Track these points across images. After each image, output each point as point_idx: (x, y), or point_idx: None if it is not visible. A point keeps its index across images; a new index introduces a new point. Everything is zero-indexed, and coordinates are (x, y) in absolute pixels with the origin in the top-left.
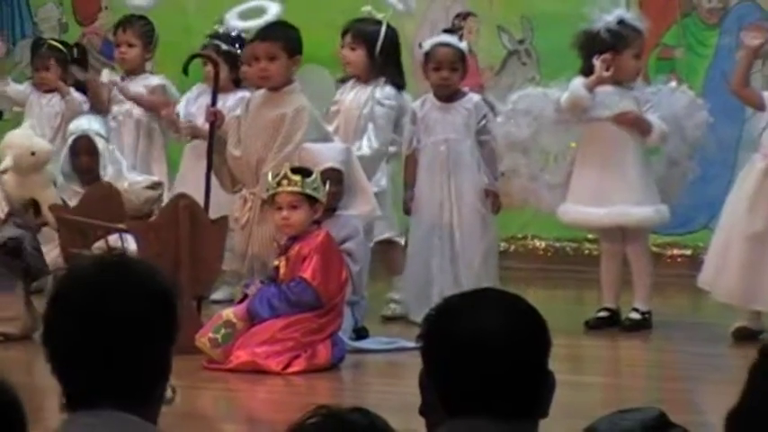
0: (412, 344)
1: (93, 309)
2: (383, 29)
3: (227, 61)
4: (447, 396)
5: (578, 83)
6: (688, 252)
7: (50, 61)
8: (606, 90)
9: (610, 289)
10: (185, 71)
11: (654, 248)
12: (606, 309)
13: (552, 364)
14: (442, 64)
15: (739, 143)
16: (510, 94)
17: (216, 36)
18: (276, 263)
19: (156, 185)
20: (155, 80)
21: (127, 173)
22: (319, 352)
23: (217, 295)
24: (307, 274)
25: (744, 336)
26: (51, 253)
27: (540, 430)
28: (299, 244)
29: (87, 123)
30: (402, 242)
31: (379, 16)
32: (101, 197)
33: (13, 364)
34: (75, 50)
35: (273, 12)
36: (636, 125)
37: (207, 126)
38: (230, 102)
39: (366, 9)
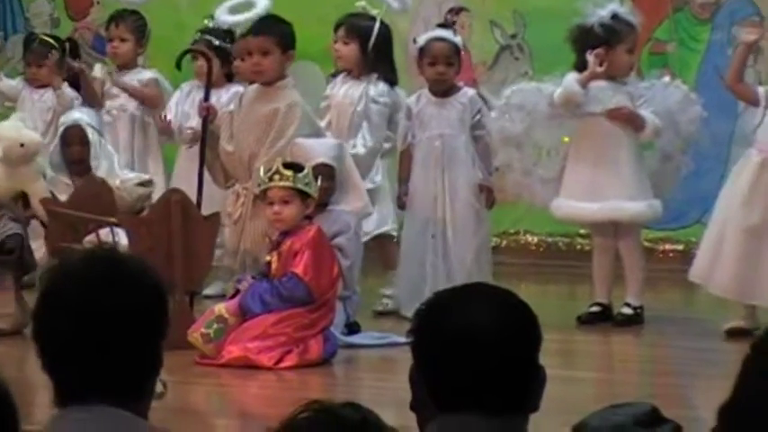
0: (404, 339)
1: (84, 304)
2: (377, 24)
3: (219, 56)
4: (437, 391)
5: (571, 78)
6: (680, 247)
7: (43, 57)
8: (600, 85)
9: (602, 284)
10: (178, 66)
11: (646, 243)
12: (598, 304)
13: (544, 359)
14: (438, 59)
15: (732, 138)
16: (503, 90)
17: (206, 31)
18: (268, 258)
19: (147, 183)
20: (147, 74)
21: (118, 170)
22: (311, 347)
23: (209, 290)
24: (298, 270)
25: (737, 334)
26: (40, 250)
27: (532, 425)
28: (291, 239)
29: (79, 114)
30: (395, 235)
31: (374, 12)
32: (92, 193)
33: (3, 360)
34: (67, 45)
35: (262, 5)
36: (629, 121)
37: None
38: (224, 98)
39: (360, 4)
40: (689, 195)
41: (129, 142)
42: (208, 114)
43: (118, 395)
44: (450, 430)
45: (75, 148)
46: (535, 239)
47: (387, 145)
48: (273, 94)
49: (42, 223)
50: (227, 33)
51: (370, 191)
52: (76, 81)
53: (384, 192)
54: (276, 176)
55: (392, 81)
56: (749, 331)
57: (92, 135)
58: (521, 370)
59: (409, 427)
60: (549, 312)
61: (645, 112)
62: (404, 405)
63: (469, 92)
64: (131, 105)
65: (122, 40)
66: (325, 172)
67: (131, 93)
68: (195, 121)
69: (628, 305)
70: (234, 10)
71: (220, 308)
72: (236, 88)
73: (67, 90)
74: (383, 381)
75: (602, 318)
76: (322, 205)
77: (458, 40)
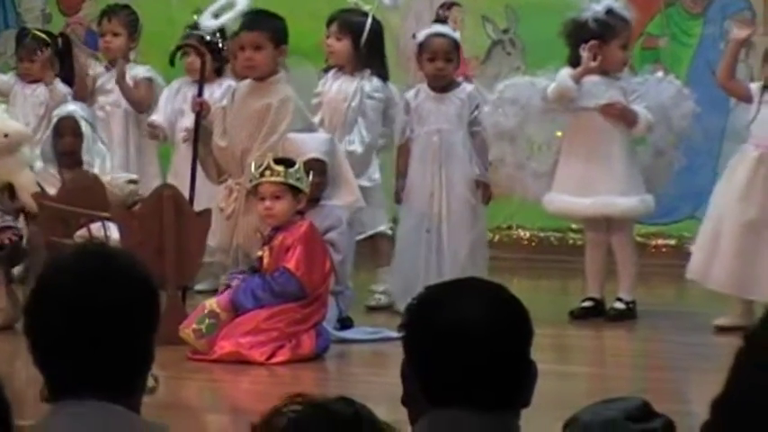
0: (396, 334)
1: (76, 298)
2: (369, 20)
3: (210, 51)
4: (428, 386)
5: (565, 74)
6: (672, 242)
7: (35, 52)
8: (593, 80)
9: (594, 279)
10: (172, 62)
11: (638, 238)
12: (591, 299)
13: (536, 354)
14: (437, 54)
15: (724, 133)
16: (496, 84)
17: (195, 27)
18: (259, 253)
19: (135, 181)
20: (140, 70)
21: (109, 168)
22: (303, 342)
23: (201, 286)
24: (290, 265)
25: (729, 330)
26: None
27: (524, 420)
28: (283, 234)
29: (74, 107)
30: (390, 233)
31: (366, 8)
32: (83, 187)
33: None
34: (59, 41)
35: (242, 2)
36: (622, 116)
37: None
38: (217, 93)
39: (352, 0)
40: (681, 190)
41: (123, 138)
42: (201, 110)
43: (109, 390)
44: (441, 425)
45: (67, 138)
46: (527, 234)
47: (380, 141)
48: (266, 89)
49: (26, 215)
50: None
51: (367, 188)
52: (69, 77)
53: (379, 190)
54: (267, 172)
55: (384, 76)
56: (742, 328)
57: (85, 128)
58: (512, 365)
59: (401, 421)
60: (542, 307)
61: (638, 108)
62: (396, 400)
63: (468, 87)
64: (125, 101)
65: (115, 34)
66: (317, 167)
67: (123, 92)
68: (189, 118)
69: (620, 300)
70: (216, 14)
71: (212, 303)
72: (229, 82)
73: (60, 85)
74: (376, 376)
75: (595, 313)
76: (314, 200)
77: (457, 35)
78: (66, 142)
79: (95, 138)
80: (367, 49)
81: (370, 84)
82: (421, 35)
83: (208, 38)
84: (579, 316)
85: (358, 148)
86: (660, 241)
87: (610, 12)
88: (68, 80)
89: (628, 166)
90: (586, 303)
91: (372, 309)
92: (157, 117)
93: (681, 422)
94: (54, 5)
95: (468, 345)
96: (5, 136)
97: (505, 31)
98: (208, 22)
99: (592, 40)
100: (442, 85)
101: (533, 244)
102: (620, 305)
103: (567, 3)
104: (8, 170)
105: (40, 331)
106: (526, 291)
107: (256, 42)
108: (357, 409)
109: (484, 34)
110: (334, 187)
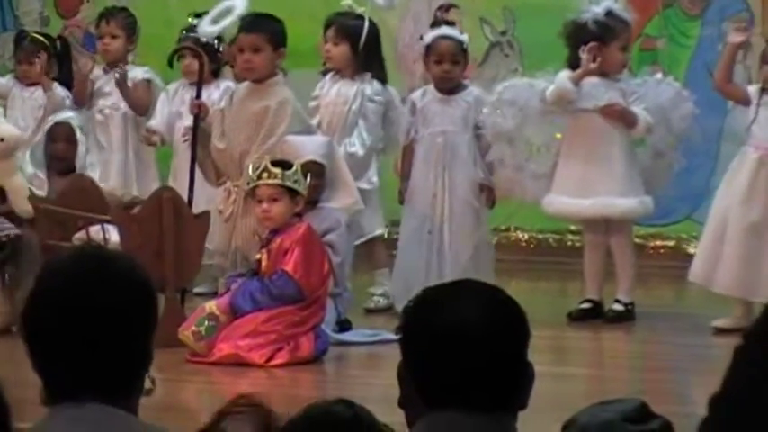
0: (395, 336)
1: (73, 301)
2: (366, 24)
3: (207, 53)
4: (425, 388)
5: (564, 76)
6: (671, 243)
7: (33, 55)
8: (592, 82)
9: (593, 280)
10: (170, 64)
11: (637, 240)
12: (589, 300)
13: (535, 356)
14: (444, 57)
15: (721, 134)
16: (494, 86)
17: (191, 29)
18: (258, 256)
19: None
20: (139, 72)
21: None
22: (302, 344)
23: (200, 288)
24: (288, 267)
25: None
26: None
27: (522, 422)
28: (281, 237)
29: (71, 114)
30: (383, 236)
31: (360, 10)
32: (80, 189)
33: None
34: (57, 44)
35: (240, 6)
36: (621, 118)
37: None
38: (215, 94)
39: (346, 3)
40: (679, 192)
41: (122, 141)
42: (199, 112)
43: (108, 392)
44: (438, 427)
45: (60, 144)
46: (526, 236)
47: (379, 144)
48: (264, 91)
49: (15, 219)
50: None
51: (365, 191)
52: (67, 80)
53: (377, 194)
54: (264, 174)
55: (383, 79)
56: (741, 329)
57: (80, 135)
58: (509, 367)
59: (399, 423)
60: (540, 309)
61: (637, 109)
62: (395, 402)
63: (475, 91)
64: (124, 104)
65: (113, 36)
66: (315, 169)
67: (123, 94)
68: (187, 120)
69: (618, 301)
70: (215, 20)
71: (211, 305)
72: (226, 83)
73: (58, 89)
74: (374, 378)
75: (593, 314)
76: (312, 203)
77: (464, 38)
78: (59, 148)
79: (88, 148)
80: (365, 53)
81: (371, 87)
82: (428, 37)
83: (204, 40)
84: (577, 317)
85: (359, 150)
86: (658, 242)
87: (609, 13)
88: (67, 83)
89: (627, 168)
90: (585, 305)
91: (371, 311)
92: (155, 122)
93: (679, 424)
94: (52, 8)
95: (465, 346)
96: (1, 140)
97: (503, 33)
98: (207, 27)
99: (591, 42)
100: (449, 88)
101: (532, 245)
102: (618, 307)
103: (564, 5)
104: (1, 174)
105: (38, 334)
106: (524, 292)
107: (255, 45)
108: (357, 411)
109: (482, 36)
110: (333, 190)
